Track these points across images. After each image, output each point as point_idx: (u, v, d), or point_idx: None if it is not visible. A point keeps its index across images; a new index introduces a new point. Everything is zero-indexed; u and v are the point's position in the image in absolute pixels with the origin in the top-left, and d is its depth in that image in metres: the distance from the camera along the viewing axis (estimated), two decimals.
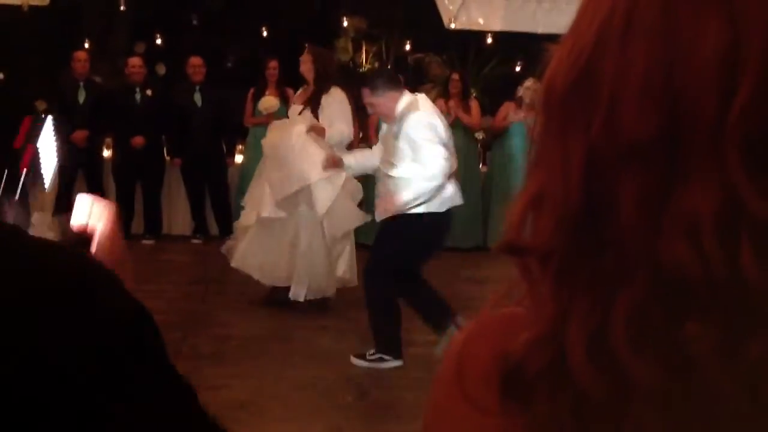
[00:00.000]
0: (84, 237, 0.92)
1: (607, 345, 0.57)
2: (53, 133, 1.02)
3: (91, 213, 0.93)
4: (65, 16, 10.76)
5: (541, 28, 8.69)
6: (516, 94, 8.65)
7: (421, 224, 4.72)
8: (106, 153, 8.70)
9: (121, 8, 11.55)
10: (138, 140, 8.28)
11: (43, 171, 0.97)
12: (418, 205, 4.71)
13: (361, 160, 5.38)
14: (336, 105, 5.76)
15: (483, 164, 9.08)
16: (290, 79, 8.77)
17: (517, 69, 10.32)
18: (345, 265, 5.93)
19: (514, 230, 0.63)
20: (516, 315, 0.64)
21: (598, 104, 0.59)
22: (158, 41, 11.54)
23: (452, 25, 9.22)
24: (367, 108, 5.19)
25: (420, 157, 4.66)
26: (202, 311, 5.99)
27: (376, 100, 4.87)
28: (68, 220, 0.92)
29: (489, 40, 10.06)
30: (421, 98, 4.93)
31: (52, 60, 9.29)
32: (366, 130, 8.48)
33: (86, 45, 10.26)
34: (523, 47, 9.43)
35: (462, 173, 8.53)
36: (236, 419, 3.96)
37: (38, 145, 0.94)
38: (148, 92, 8.41)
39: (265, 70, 8.65)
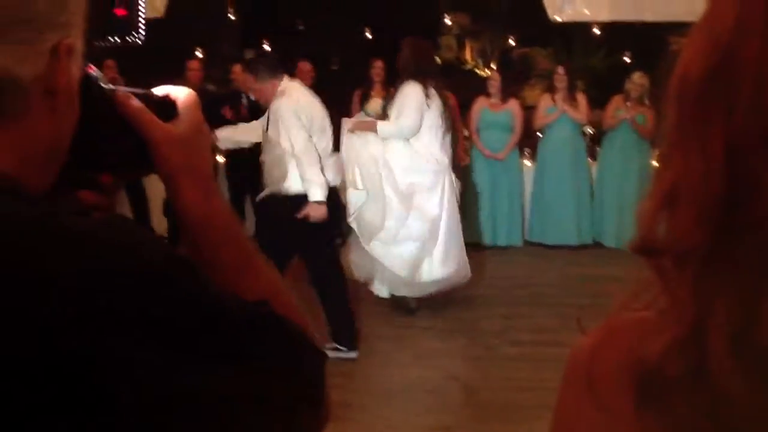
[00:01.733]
0: (167, 100, 0.88)
1: (753, 345, 0.56)
2: None
3: (171, 89, 0.91)
4: (179, 27, 11.15)
5: (649, 16, 8.42)
6: (623, 87, 8.43)
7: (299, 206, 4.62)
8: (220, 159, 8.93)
9: (231, 17, 11.90)
10: None
11: None
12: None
13: (238, 134, 5.63)
14: (404, 99, 5.65)
15: (593, 159, 8.88)
16: (396, 79, 8.82)
17: (626, 60, 10.05)
18: (435, 265, 5.69)
19: (647, 229, 0.62)
20: (647, 318, 0.63)
21: (740, 89, 0.58)
22: (266, 47, 11.82)
23: (557, 18, 9.05)
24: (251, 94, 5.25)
25: (288, 141, 4.63)
26: (311, 311, 6.07)
27: (258, 86, 4.95)
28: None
29: (595, 31, 9.83)
30: (293, 86, 4.86)
31: (168, 70, 9.63)
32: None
33: (199, 54, 10.60)
34: (632, 37, 9.18)
35: (570, 169, 8.44)
36: (343, 418, 4.00)
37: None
38: (252, 97, 8.60)
39: (371, 70, 8.69)
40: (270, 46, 12.01)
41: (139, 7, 0.90)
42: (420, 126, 5.59)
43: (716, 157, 0.58)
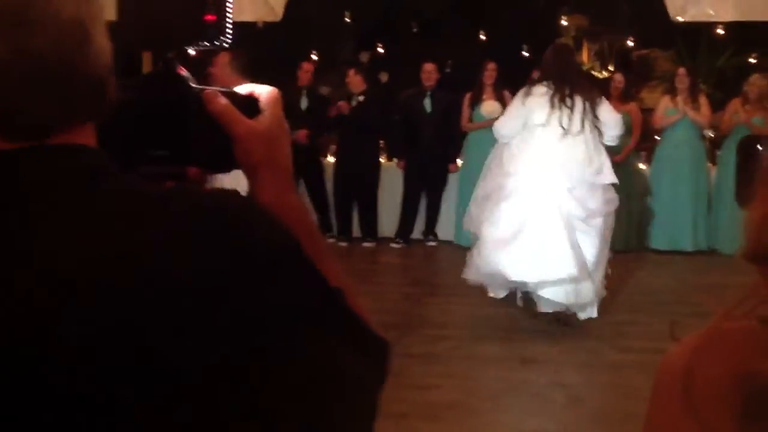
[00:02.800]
0: (251, 98, 0.93)
1: None
2: None
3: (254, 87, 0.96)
4: (296, 31, 11.37)
5: None
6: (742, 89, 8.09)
7: None
8: (330, 159, 9.04)
9: (347, 20, 12.05)
10: (300, 134, 8.31)
11: None
12: None
13: None
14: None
15: (713, 164, 8.55)
16: (507, 82, 8.72)
17: (752, 61, 9.63)
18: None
19: (756, 235, 0.59)
20: (749, 329, 0.59)
21: None
22: (380, 50, 11.92)
23: (679, 18, 8.75)
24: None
25: None
26: (417, 312, 6.07)
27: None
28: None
29: (720, 31, 9.45)
30: None
31: (283, 72, 9.82)
32: None
33: (314, 57, 10.78)
34: (758, 37, 8.78)
35: (688, 173, 8.15)
36: (445, 418, 3.97)
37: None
38: (360, 98, 8.67)
39: (483, 72, 8.63)
40: (384, 48, 12.10)
41: (227, 13, 0.93)
42: (510, 133, 5.50)
43: None
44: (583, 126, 5.26)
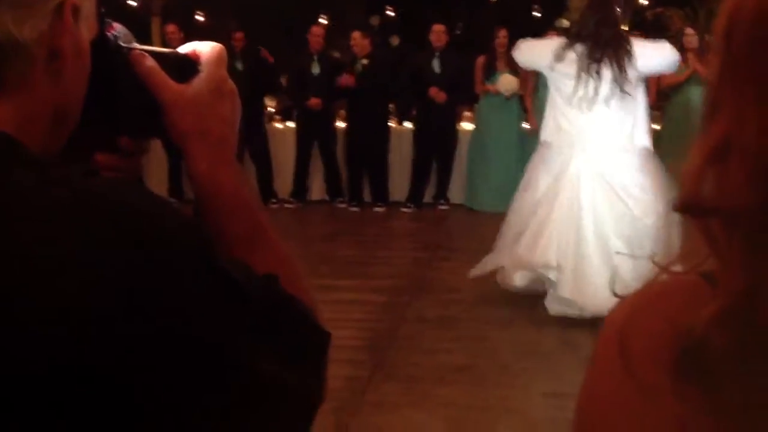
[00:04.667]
0: (187, 59, 0.84)
1: None
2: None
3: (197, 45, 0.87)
4: None
5: None
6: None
7: None
8: (341, 124, 9.01)
9: None
10: (313, 101, 8.40)
11: None
12: None
13: None
14: None
15: None
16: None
17: None
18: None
19: (693, 187, 0.56)
20: (690, 284, 0.57)
21: None
22: (390, 13, 11.83)
23: None
24: None
25: None
26: (429, 277, 6.07)
27: None
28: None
29: None
30: None
31: (292, 36, 9.77)
32: None
33: (323, 20, 10.70)
34: None
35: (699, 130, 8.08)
36: (455, 382, 3.99)
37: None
38: (364, 62, 8.62)
39: (494, 40, 8.56)
40: (394, 11, 12.00)
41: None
42: (526, 63, 5.62)
43: None
44: (611, 96, 4.98)
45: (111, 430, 0.63)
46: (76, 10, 0.72)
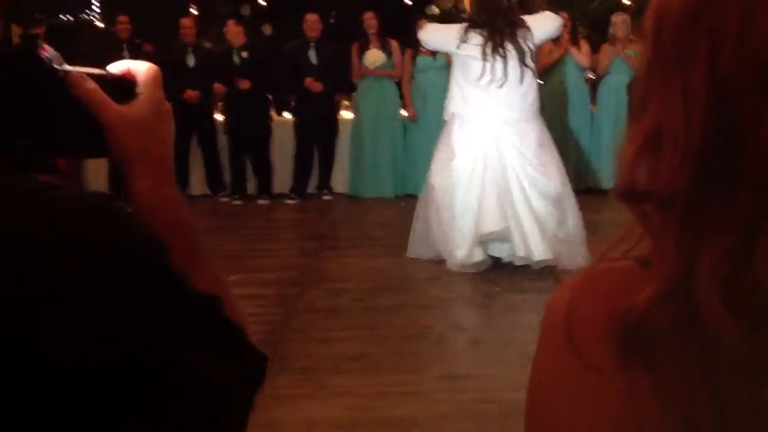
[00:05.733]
0: (125, 79, 0.85)
1: (745, 289, 0.53)
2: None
3: (131, 65, 0.87)
4: None
5: None
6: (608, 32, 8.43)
7: None
8: (219, 117, 8.88)
9: None
10: (190, 94, 8.27)
11: None
12: None
13: None
14: None
15: (593, 104, 8.83)
16: (391, 29, 8.73)
17: (625, 2, 9.91)
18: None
19: (628, 174, 0.59)
20: (629, 267, 0.60)
21: (726, 25, 0.54)
22: (261, 2, 11.69)
23: None
24: None
25: None
26: (317, 267, 6.10)
27: None
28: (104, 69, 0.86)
29: None
30: None
31: (165, 29, 9.53)
32: None
33: (193, 11, 10.48)
34: None
35: (572, 114, 8.41)
36: (350, 370, 4.04)
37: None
38: (244, 54, 8.52)
39: (363, 22, 8.61)
40: (265, 0, 11.87)
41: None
42: (433, 43, 6.11)
43: (701, 100, 0.55)
44: (520, 73, 5.54)
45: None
46: None
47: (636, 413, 0.56)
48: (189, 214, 0.88)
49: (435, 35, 5.99)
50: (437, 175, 5.77)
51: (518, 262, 5.53)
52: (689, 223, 0.56)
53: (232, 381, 0.74)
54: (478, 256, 5.57)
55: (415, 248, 5.97)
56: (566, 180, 5.74)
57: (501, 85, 5.52)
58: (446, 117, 5.91)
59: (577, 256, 5.30)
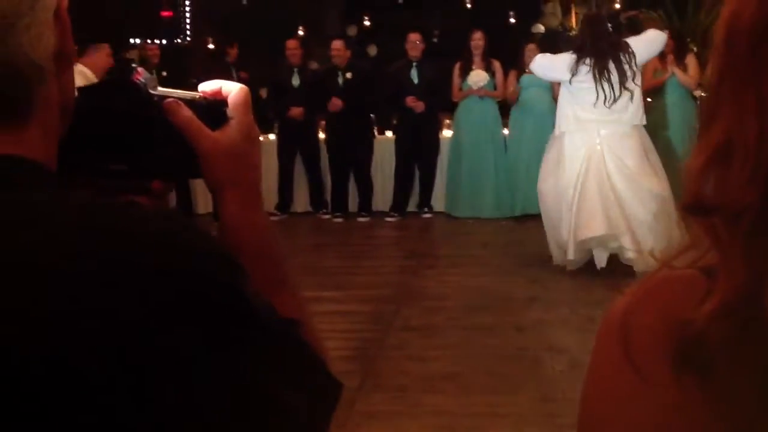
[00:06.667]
0: (217, 105, 0.86)
1: None
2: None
3: (223, 84, 0.88)
4: (281, 5, 11.30)
5: None
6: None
7: None
8: (322, 136, 9.03)
9: None
10: (295, 112, 8.50)
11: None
12: None
13: None
14: None
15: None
16: (494, 49, 8.70)
17: None
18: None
19: (695, 187, 0.58)
20: (689, 277, 0.59)
21: None
22: (367, 23, 11.86)
23: None
24: None
25: None
26: (415, 284, 6.12)
27: None
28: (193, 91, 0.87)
29: None
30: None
31: (272, 47, 9.78)
32: None
33: (300, 32, 10.72)
34: None
35: (681, 133, 8.16)
36: (443, 390, 4.03)
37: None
38: (348, 75, 8.65)
39: (470, 41, 8.61)
40: (371, 21, 12.03)
41: (186, 10, 0.87)
42: (543, 72, 6.46)
43: None
44: (622, 90, 5.95)
45: None
46: (65, 7, 0.74)
47: (689, 427, 0.56)
48: (276, 240, 0.88)
49: (547, 67, 6.36)
50: (544, 182, 6.26)
51: (626, 261, 5.91)
52: (758, 237, 0.55)
53: (302, 407, 0.73)
54: (581, 256, 6.02)
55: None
56: (668, 186, 6.00)
57: (610, 106, 5.94)
58: (556, 133, 6.31)
59: None
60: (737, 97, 0.56)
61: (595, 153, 5.99)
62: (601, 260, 5.99)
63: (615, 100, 5.92)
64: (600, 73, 5.91)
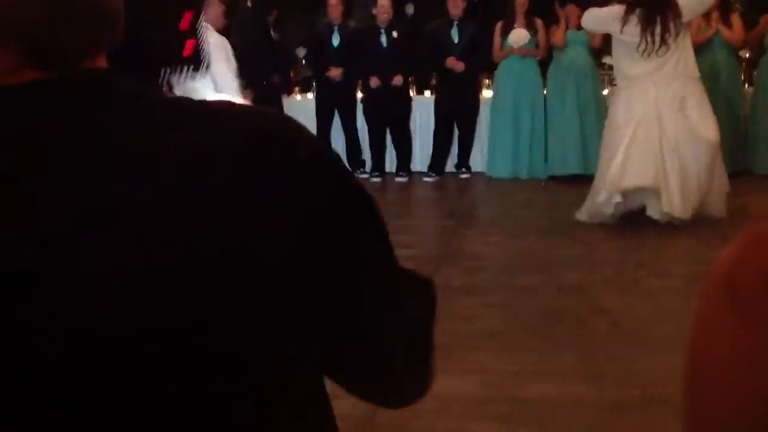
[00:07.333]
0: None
1: None
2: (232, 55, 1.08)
3: None
4: None
5: None
6: None
7: None
8: (360, 95, 9.00)
9: None
10: (334, 73, 8.48)
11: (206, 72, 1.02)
12: None
13: None
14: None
15: (749, 85, 8.41)
16: (538, 8, 8.58)
17: None
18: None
19: None
20: None
21: None
22: None
23: None
24: None
25: None
26: (454, 244, 6.12)
27: None
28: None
29: None
30: None
31: (312, 6, 9.72)
32: None
33: None
34: None
35: (726, 94, 8.03)
36: (487, 348, 4.04)
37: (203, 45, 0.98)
38: (394, 34, 8.58)
39: (513, 1, 8.50)
40: None
41: (203, 50, 0.92)
42: (593, 27, 6.89)
43: None
44: (669, 44, 6.17)
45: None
46: None
47: None
48: None
49: (597, 21, 6.61)
50: (604, 135, 6.52)
51: (659, 217, 6.12)
52: None
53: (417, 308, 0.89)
54: (610, 208, 6.22)
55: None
56: (718, 133, 6.23)
57: (661, 56, 6.16)
58: (615, 88, 6.72)
59: (721, 207, 6.21)
60: None
61: (650, 106, 6.16)
62: (653, 211, 6.19)
63: (658, 51, 6.14)
64: (647, 23, 6.11)
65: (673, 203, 6.06)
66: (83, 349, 0.68)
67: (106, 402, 0.70)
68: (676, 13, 6.16)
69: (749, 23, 8.28)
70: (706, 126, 6.18)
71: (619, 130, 6.26)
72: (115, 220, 0.70)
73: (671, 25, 6.14)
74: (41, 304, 0.68)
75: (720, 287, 0.62)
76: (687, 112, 6.17)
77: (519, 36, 8.41)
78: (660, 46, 6.14)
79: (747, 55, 8.50)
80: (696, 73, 6.33)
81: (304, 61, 9.46)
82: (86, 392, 0.69)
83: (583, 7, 7.12)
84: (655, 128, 6.13)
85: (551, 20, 8.44)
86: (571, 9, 8.19)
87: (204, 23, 0.93)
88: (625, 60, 6.34)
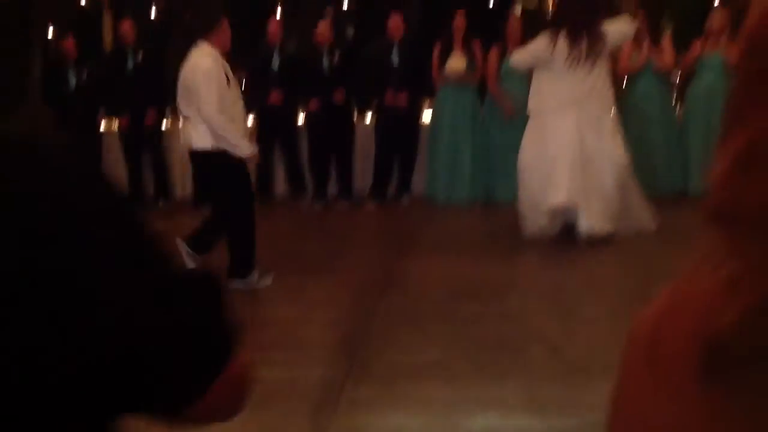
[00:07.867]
0: None
1: None
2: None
3: None
4: None
5: None
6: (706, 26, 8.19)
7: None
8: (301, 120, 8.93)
9: None
10: (275, 97, 8.41)
11: None
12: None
13: None
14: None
15: (682, 102, 8.64)
16: (476, 30, 8.65)
17: None
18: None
19: (718, 194, 0.57)
20: (715, 287, 0.57)
21: None
22: (345, 5, 11.76)
23: None
24: None
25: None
26: (397, 271, 6.12)
27: None
28: None
29: None
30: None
31: (250, 29, 9.66)
32: None
33: (278, 12, 10.59)
34: None
35: (658, 117, 8.22)
36: (430, 378, 4.05)
37: None
38: (336, 57, 8.56)
39: (452, 24, 8.54)
40: (348, 2, 11.94)
41: None
42: (521, 67, 6.97)
43: None
44: (594, 68, 6.50)
45: None
46: None
47: None
48: None
49: (528, 51, 6.79)
50: (524, 153, 6.74)
51: (583, 232, 6.46)
52: None
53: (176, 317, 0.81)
54: (544, 222, 6.56)
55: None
56: (627, 154, 6.65)
57: (584, 71, 6.46)
58: (528, 112, 6.85)
59: (648, 218, 6.61)
60: (760, 107, 0.55)
61: (568, 127, 6.50)
62: (580, 226, 6.51)
63: (584, 62, 6.43)
64: (574, 37, 6.42)
65: (595, 219, 6.42)
66: None
67: None
68: (600, 32, 6.47)
69: (682, 42, 8.46)
70: (617, 147, 6.59)
71: (533, 150, 6.62)
72: None
73: (596, 39, 6.44)
74: None
75: (639, 354, 0.61)
76: (602, 132, 6.56)
77: (456, 65, 8.45)
78: (586, 57, 6.43)
79: (677, 80, 8.73)
80: (611, 97, 6.72)
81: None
82: None
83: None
84: (575, 148, 6.47)
85: (492, 37, 8.50)
86: (514, 19, 8.36)
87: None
88: (547, 86, 6.62)
